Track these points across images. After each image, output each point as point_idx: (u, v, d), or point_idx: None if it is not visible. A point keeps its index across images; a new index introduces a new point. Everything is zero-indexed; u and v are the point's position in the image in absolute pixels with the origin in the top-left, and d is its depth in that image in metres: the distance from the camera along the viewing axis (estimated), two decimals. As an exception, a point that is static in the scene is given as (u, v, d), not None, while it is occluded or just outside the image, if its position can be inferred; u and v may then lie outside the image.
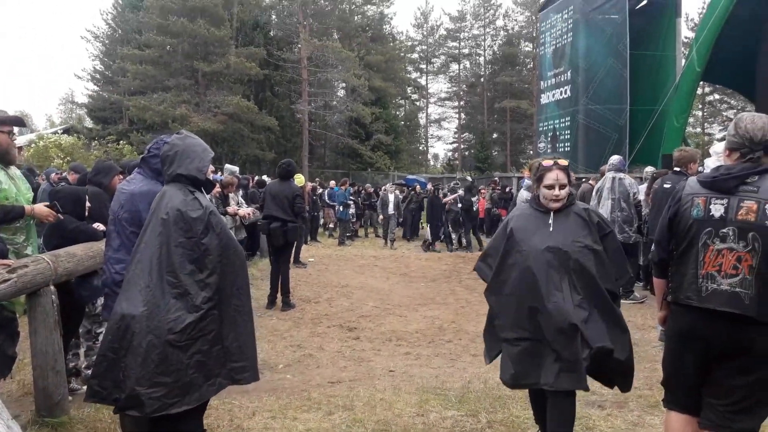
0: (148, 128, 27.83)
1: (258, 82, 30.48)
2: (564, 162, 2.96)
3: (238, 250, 2.82)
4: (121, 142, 25.08)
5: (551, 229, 2.84)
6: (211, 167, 2.93)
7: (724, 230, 2.32)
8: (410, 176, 20.90)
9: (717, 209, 2.36)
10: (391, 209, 15.26)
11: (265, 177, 14.37)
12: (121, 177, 5.12)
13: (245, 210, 8.88)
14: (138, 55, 27.68)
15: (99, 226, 4.30)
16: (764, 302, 2.24)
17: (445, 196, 14.52)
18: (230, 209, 8.47)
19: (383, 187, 18.16)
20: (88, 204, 4.22)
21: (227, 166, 10.83)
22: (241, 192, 9.93)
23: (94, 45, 36.79)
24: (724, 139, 2.58)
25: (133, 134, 27.15)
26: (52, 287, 3.48)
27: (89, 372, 4.31)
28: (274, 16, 36.04)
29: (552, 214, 2.89)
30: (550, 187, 2.88)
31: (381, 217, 15.75)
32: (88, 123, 34.81)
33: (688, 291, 2.40)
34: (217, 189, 8.56)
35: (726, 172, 2.38)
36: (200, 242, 2.63)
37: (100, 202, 4.44)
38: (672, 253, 2.54)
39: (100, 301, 4.37)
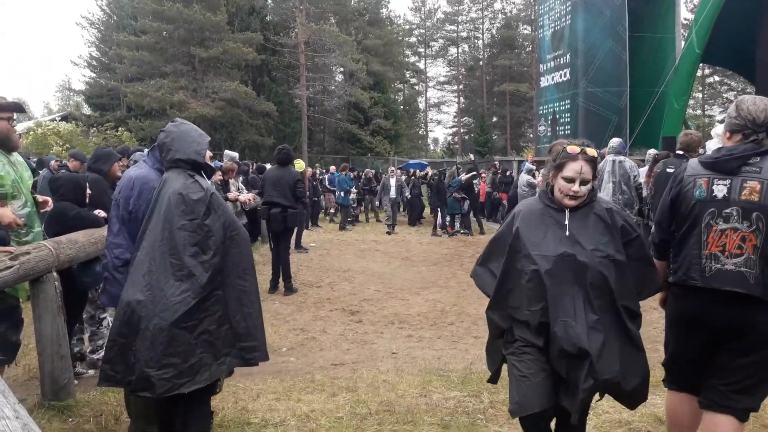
0: (146, 115, 27.72)
1: (255, 67, 30.32)
2: (593, 152, 2.48)
3: (242, 232, 2.83)
4: (120, 128, 24.98)
5: (567, 232, 2.39)
6: (209, 153, 2.94)
7: (728, 210, 2.32)
8: (411, 161, 20.68)
9: (720, 190, 2.35)
10: (393, 194, 15.25)
11: (267, 165, 14.35)
12: (121, 164, 5.13)
13: (246, 196, 8.88)
14: (134, 42, 27.49)
15: (100, 213, 4.31)
16: None
17: (444, 178, 14.54)
18: (231, 195, 8.47)
19: (388, 170, 18.20)
20: (88, 191, 4.22)
21: (227, 152, 10.82)
22: (241, 178, 9.92)
23: (89, 31, 36.52)
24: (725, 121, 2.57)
25: (132, 121, 27.05)
26: (54, 273, 3.49)
27: (94, 356, 4.35)
28: (270, 1, 35.76)
29: (567, 212, 2.44)
30: (570, 180, 2.40)
31: (378, 202, 15.74)
32: (86, 110, 34.63)
33: (691, 271, 2.39)
34: (218, 176, 8.57)
35: (728, 153, 2.38)
36: (203, 224, 2.64)
37: (100, 189, 4.44)
38: (673, 234, 2.54)
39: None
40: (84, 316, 4.40)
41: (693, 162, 2.52)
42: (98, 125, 27.52)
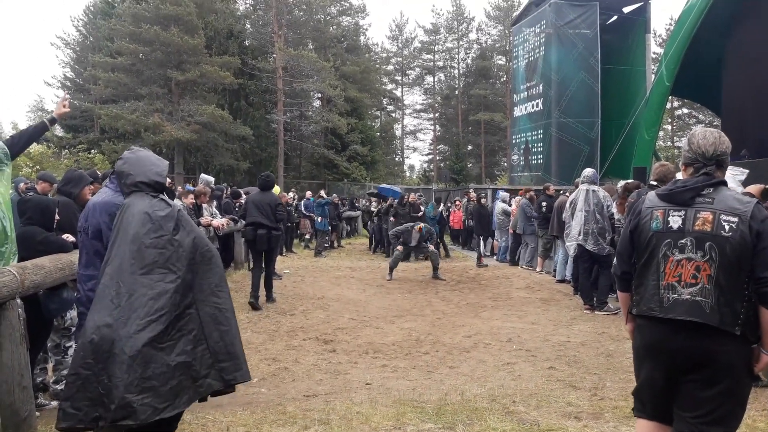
0: (120, 137, 27.40)
1: (232, 91, 30.29)
2: None
3: (212, 248, 2.79)
4: (93, 151, 24.67)
5: None
6: (168, 179, 2.92)
7: (683, 241, 2.37)
8: (384, 185, 20.35)
9: (675, 221, 2.41)
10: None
11: (242, 190, 14.24)
12: (92, 187, 5.03)
13: (219, 221, 8.80)
14: (110, 63, 27.29)
15: (68, 237, 4.21)
16: (723, 310, 2.28)
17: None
18: (204, 220, 8.38)
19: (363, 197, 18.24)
20: (56, 216, 4.13)
21: (202, 176, 10.71)
22: (215, 203, 9.82)
23: (64, 52, 36.28)
24: None
25: (105, 143, 26.70)
26: (18, 300, 3.38)
27: (57, 387, 4.20)
28: (248, 26, 35.93)
29: None
30: None
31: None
32: (58, 131, 34.15)
33: (650, 302, 2.43)
34: (191, 199, 8.47)
35: (682, 185, 2.44)
36: (173, 239, 2.60)
37: (69, 213, 4.35)
38: (634, 266, 2.58)
39: (69, 314, 4.28)
40: (48, 345, 4.26)
41: (651, 194, 2.58)
42: (70, 147, 27.14)
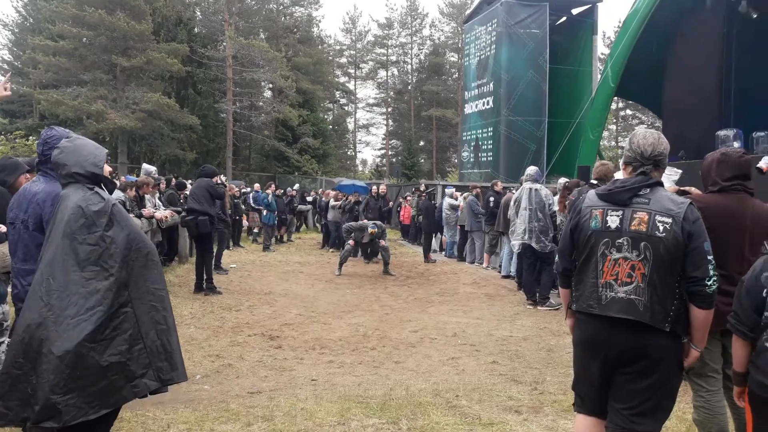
0: (60, 123, 26.26)
1: (180, 79, 29.50)
2: None
3: (148, 244, 2.70)
4: (31, 138, 23.51)
5: None
6: (109, 168, 2.82)
7: (620, 240, 2.44)
8: (345, 181, 19.90)
9: (613, 220, 2.48)
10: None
11: (188, 182, 13.87)
12: (28, 176, 4.80)
13: (162, 213, 8.58)
14: (51, 47, 26.12)
15: (1, 228, 4.02)
16: (656, 308, 2.37)
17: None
18: (146, 211, 8.17)
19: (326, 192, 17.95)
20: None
21: (144, 165, 10.41)
22: (157, 194, 9.57)
23: (2, 33, 34.68)
24: None
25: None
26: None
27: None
28: (198, 13, 35.09)
29: None
30: None
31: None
32: (-7, 116, 32.55)
33: (589, 300, 2.50)
34: (132, 191, 8.24)
35: (621, 185, 2.52)
36: (105, 236, 2.51)
37: (3, 202, 4.14)
38: (575, 263, 2.65)
39: (2, 308, 4.09)
40: (-23, 341, 4.06)
41: (590, 194, 2.65)
42: (6, 133, 25.82)
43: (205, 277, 8.29)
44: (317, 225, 20.93)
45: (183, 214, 9.39)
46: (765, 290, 2.25)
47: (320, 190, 22.16)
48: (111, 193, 2.90)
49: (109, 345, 2.44)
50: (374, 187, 14.79)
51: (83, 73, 26.45)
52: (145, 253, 2.65)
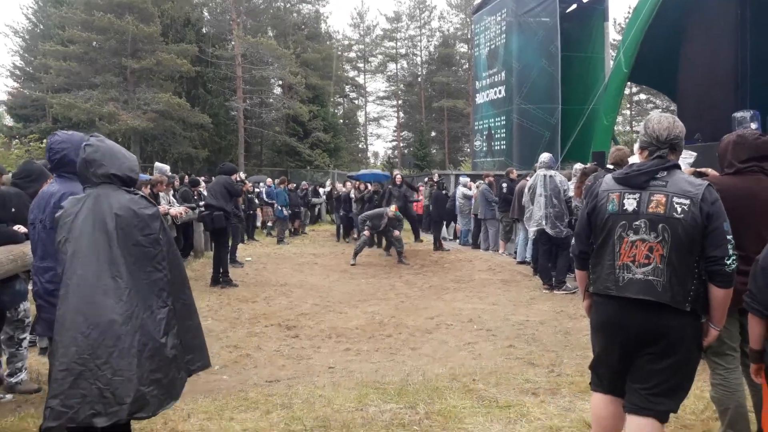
0: (73, 126, 26.56)
1: (190, 79, 29.63)
2: None
3: (177, 245, 2.89)
4: (45, 141, 23.81)
5: None
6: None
7: (637, 223, 2.44)
8: (364, 171, 19.56)
9: (630, 203, 2.47)
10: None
11: (201, 178, 13.96)
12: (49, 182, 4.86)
13: (176, 209, 8.67)
14: (61, 51, 26.37)
15: (20, 228, 4.09)
16: (675, 289, 2.36)
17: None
18: (161, 209, 8.22)
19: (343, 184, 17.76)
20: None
21: (157, 164, 10.50)
22: (171, 191, 9.66)
23: (13, 40, 34.93)
24: None
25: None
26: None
27: (12, 380, 4.09)
28: (206, 13, 35.21)
29: None
30: None
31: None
32: (8, 121, 32.92)
33: (607, 281, 2.50)
34: (146, 189, 8.31)
35: (637, 169, 2.51)
36: (159, 238, 2.61)
37: (21, 204, 4.21)
38: (591, 246, 2.65)
39: (23, 306, 4.16)
40: (1, 338, 4.14)
41: (607, 177, 2.65)
42: (21, 137, 26.17)
43: (221, 270, 8.46)
44: (330, 217, 20.92)
45: (198, 209, 9.54)
46: None
47: (336, 183, 21.84)
48: None
49: (168, 339, 2.56)
50: (397, 173, 13.89)
51: (94, 77, 26.67)
52: (177, 255, 2.78)
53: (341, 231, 16.08)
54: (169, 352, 2.53)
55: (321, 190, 21.55)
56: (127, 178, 2.70)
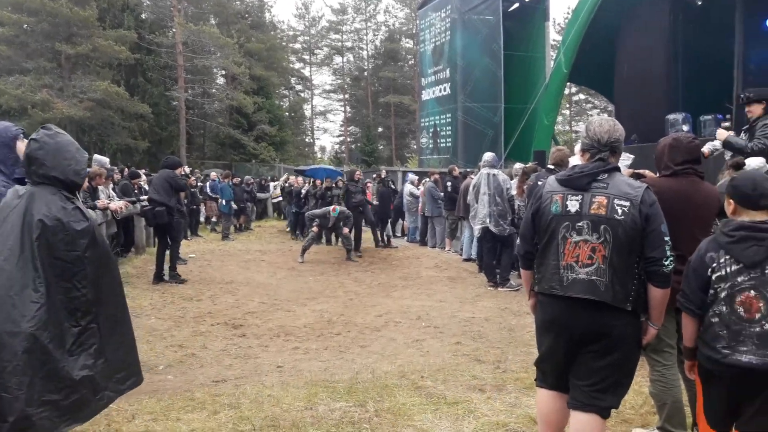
0: (3, 114, 25.21)
1: (129, 66, 28.59)
2: None
3: (112, 256, 2.71)
4: (-30, 128, 22.52)
5: None
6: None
7: (580, 224, 2.51)
8: (314, 165, 19.06)
9: (573, 205, 2.55)
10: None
11: (141, 171, 13.47)
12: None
13: (116, 204, 8.39)
14: (-10, 33, 24.99)
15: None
16: (617, 288, 2.45)
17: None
18: (100, 203, 7.95)
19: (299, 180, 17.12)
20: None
21: (96, 156, 10.11)
22: (111, 185, 9.33)
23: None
24: None
25: (-15, 120, 24.47)
26: None
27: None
28: (145, -2, 34.04)
29: None
30: None
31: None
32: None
33: (551, 281, 2.57)
34: (85, 183, 8.01)
35: (579, 171, 2.59)
36: (84, 257, 2.48)
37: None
38: (536, 246, 2.71)
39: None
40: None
41: (550, 179, 2.72)
42: (-55, 124, 24.65)
43: (168, 266, 8.37)
44: (282, 213, 20.50)
45: (138, 203, 9.26)
46: (709, 270, 2.36)
47: (289, 177, 21.19)
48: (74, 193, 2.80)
49: (77, 360, 2.44)
50: (358, 171, 13.43)
51: (26, 61, 25.40)
52: (111, 268, 2.66)
53: (296, 227, 15.33)
54: (77, 374, 2.42)
55: (272, 185, 21.15)
56: (69, 182, 2.57)
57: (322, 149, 55.72)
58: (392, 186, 15.20)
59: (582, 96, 43.73)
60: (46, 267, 2.41)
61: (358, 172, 13.27)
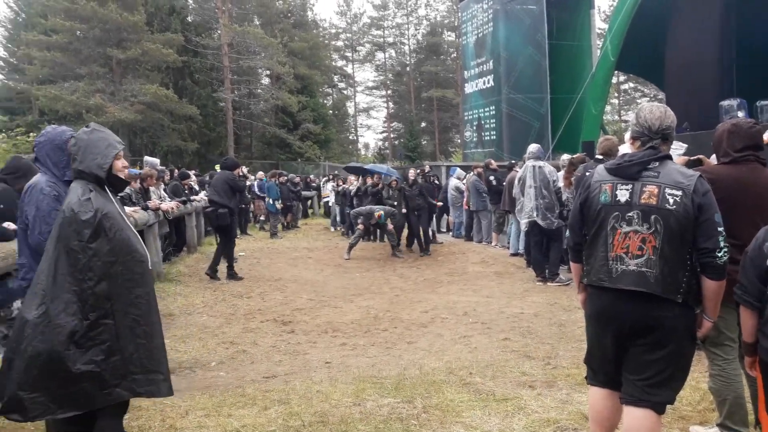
0: (60, 119, 26.24)
1: (177, 69, 29.31)
2: None
3: (137, 256, 2.65)
4: (31, 134, 23.48)
5: None
6: (124, 162, 2.77)
7: (630, 214, 2.45)
8: (356, 163, 18.60)
9: (623, 194, 2.48)
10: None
11: (192, 172, 13.80)
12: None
13: (168, 204, 8.61)
14: (45, 41, 25.94)
15: (9, 225, 4.05)
16: (667, 280, 2.38)
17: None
18: (152, 204, 8.17)
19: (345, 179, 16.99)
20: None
21: (147, 158, 10.43)
22: (162, 185, 9.59)
23: (-5, 30, 34.31)
24: None
25: (45, 125, 25.39)
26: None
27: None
28: (191, 1, 34.80)
29: None
30: None
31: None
32: (-7, 114, 32.47)
33: (600, 273, 2.51)
34: (137, 183, 8.26)
35: (629, 159, 2.51)
36: (87, 247, 2.51)
37: (10, 201, 4.17)
38: (585, 237, 2.65)
39: (16, 304, 4.13)
40: (-6, 337, 4.11)
41: (599, 168, 2.65)
42: (7, 130, 25.82)
43: (226, 265, 8.63)
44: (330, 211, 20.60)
45: (189, 204, 9.51)
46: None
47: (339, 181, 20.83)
48: (119, 191, 2.87)
49: (84, 354, 2.47)
50: (411, 172, 12.23)
51: (79, 67, 26.31)
52: (131, 266, 2.62)
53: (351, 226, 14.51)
54: (78, 367, 2.44)
55: (330, 185, 21.14)
56: (94, 176, 2.63)
57: (366, 146, 55.94)
58: (437, 182, 15.06)
59: (631, 84, 42.47)
60: (61, 258, 2.49)
61: (412, 172, 12.15)
